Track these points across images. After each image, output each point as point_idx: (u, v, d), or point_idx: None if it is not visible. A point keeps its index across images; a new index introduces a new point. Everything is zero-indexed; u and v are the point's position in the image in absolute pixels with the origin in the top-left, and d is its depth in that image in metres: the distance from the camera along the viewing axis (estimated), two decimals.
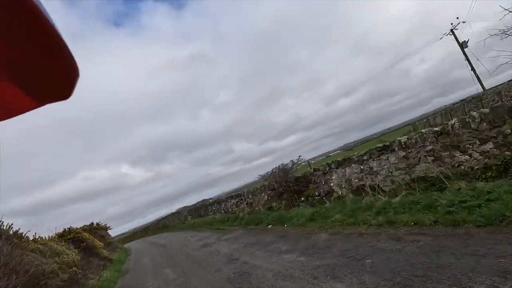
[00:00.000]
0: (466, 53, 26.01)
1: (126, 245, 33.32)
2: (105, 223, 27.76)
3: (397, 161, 6.52)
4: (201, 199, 28.61)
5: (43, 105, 0.52)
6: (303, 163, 10.32)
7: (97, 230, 20.91)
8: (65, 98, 0.51)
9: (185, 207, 33.70)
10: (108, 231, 28.86)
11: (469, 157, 5.51)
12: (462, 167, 5.60)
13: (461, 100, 26.27)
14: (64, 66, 0.44)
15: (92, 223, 21.34)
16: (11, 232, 8.21)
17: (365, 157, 7.28)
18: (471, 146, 5.45)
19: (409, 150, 6.30)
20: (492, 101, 18.26)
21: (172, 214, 30.18)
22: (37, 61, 0.43)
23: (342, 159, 8.10)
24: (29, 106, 0.50)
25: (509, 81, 18.49)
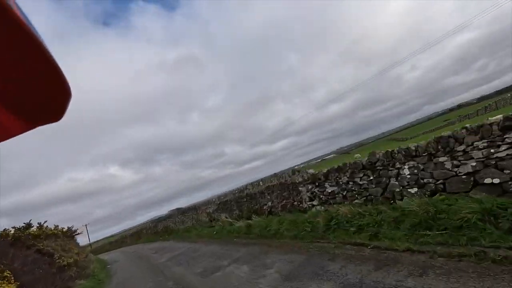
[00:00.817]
0: None
1: (108, 257, 22.39)
2: (71, 226, 16.66)
3: None
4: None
5: (35, 127, 0.50)
6: None
7: (36, 240, 9.82)
8: (57, 119, 0.50)
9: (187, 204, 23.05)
10: (76, 236, 17.74)
11: None
12: None
13: None
14: (56, 87, 0.43)
15: (24, 226, 10.21)
16: None
17: None
18: None
19: None
20: None
21: (182, 213, 19.18)
22: (28, 84, 0.42)
23: None
24: (22, 129, 0.50)
25: None
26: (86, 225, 67.19)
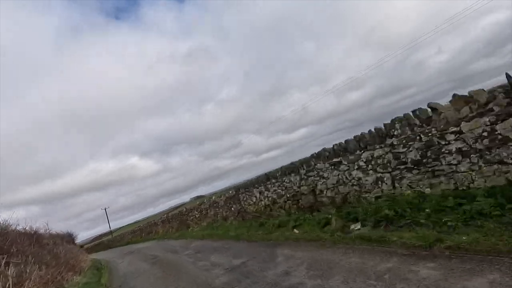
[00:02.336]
0: None
1: (124, 269, 8.83)
2: None
3: None
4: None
5: None
6: None
7: None
8: None
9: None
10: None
11: None
12: None
13: None
14: None
15: None
16: None
17: None
18: None
19: None
20: None
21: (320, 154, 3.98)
22: None
23: None
24: None
25: None
26: (105, 208, 56.16)
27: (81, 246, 49.10)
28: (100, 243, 39.32)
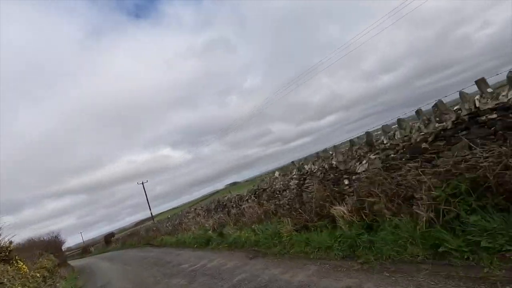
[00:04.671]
0: None
1: None
2: None
3: None
4: None
5: None
6: None
7: None
8: None
9: None
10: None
11: None
12: None
13: None
14: None
15: None
16: None
17: None
18: None
19: None
20: None
21: None
22: None
23: None
24: None
25: None
26: (142, 183, 44.48)
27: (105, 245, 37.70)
28: (134, 232, 26.36)
